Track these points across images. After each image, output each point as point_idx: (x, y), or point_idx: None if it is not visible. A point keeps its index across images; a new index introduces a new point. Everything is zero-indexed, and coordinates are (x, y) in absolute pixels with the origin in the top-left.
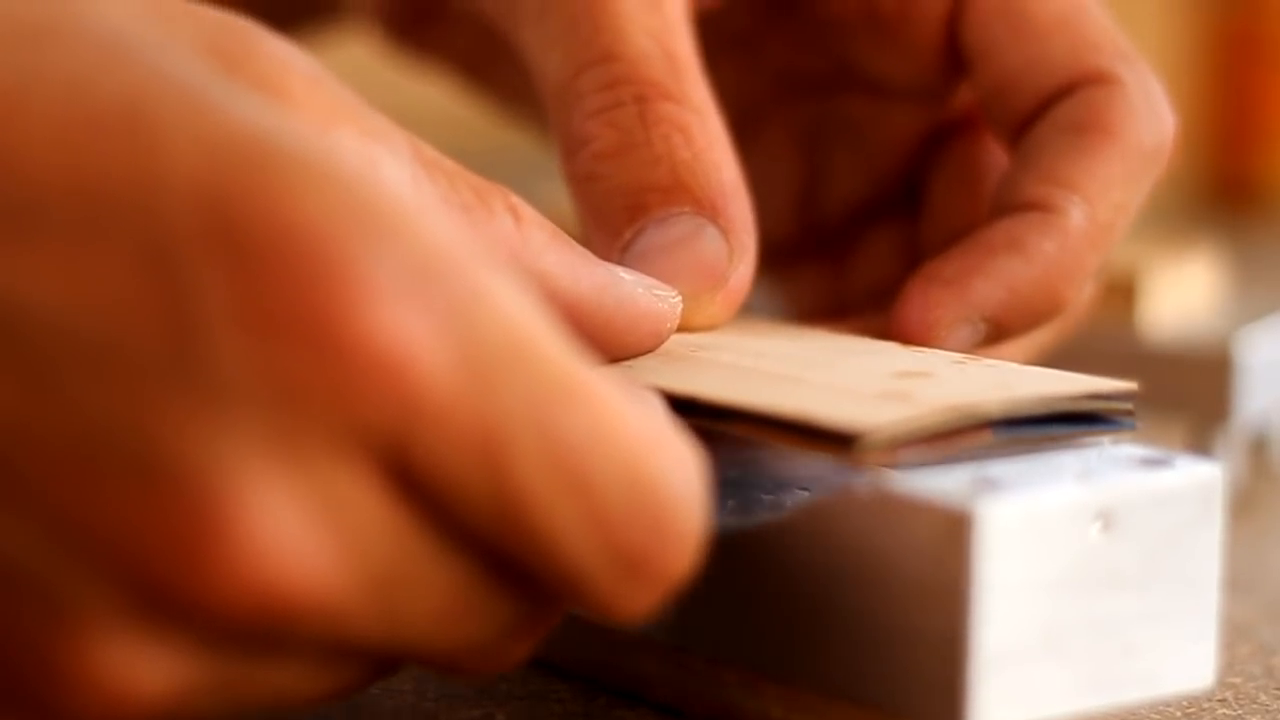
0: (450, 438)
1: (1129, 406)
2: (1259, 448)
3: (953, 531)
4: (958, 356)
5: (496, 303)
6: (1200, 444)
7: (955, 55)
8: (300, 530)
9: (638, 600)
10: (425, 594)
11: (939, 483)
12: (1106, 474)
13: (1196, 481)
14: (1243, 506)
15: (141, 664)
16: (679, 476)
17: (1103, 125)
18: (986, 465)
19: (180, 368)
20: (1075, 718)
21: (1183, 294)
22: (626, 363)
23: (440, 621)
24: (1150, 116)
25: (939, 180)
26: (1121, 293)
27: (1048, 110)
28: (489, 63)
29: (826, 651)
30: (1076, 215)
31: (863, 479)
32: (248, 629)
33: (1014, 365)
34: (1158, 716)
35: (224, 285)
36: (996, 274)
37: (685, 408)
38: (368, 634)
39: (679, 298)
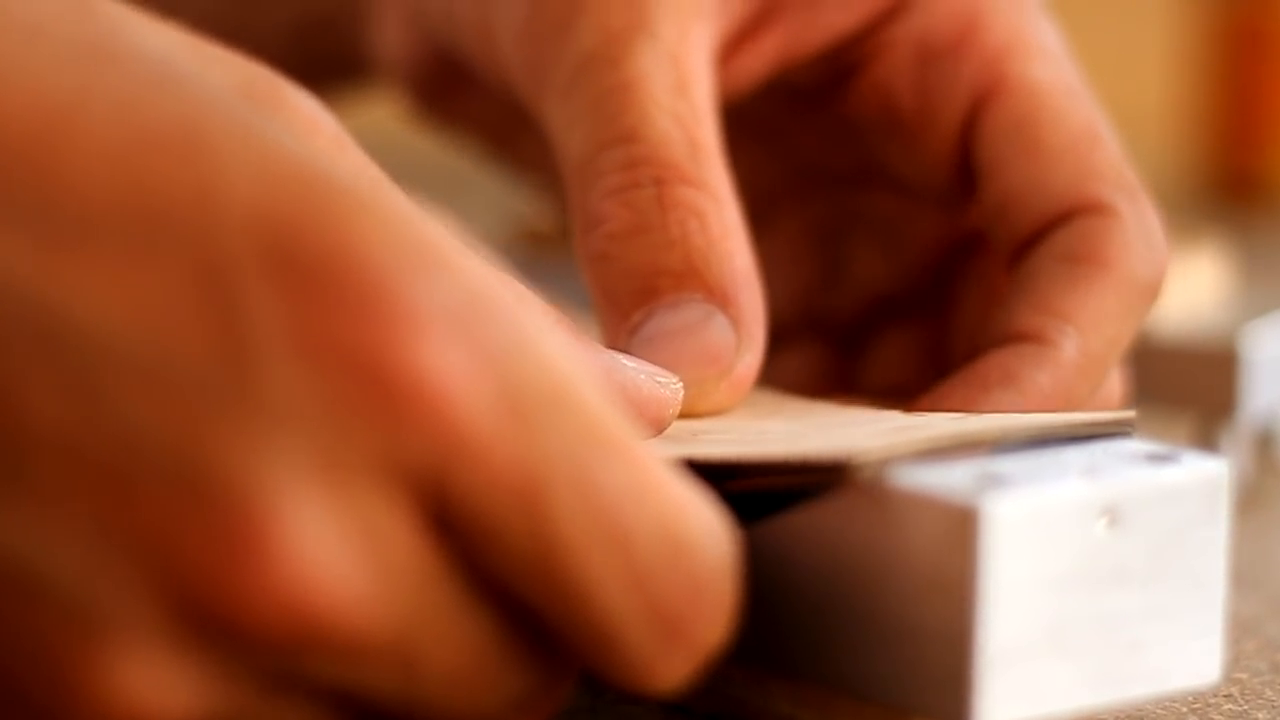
0: (489, 477)
1: (1129, 431)
2: (1265, 443)
3: (959, 527)
4: (957, 416)
5: (540, 348)
6: (1205, 440)
7: (968, 165)
8: (336, 554)
9: (673, 667)
10: (445, 648)
11: (945, 479)
12: (1112, 470)
13: (1202, 477)
14: (1248, 502)
15: (163, 683)
16: (714, 542)
17: (1098, 257)
18: (992, 462)
19: (229, 386)
20: (1081, 714)
21: (1188, 289)
22: None
23: (453, 683)
24: (1146, 250)
25: (964, 287)
26: None
27: (1045, 237)
28: (513, 132)
29: (833, 647)
30: (1069, 348)
31: (868, 478)
32: (274, 648)
33: (1015, 415)
34: (1163, 712)
35: (278, 308)
36: (992, 409)
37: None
38: (382, 682)
39: (680, 384)
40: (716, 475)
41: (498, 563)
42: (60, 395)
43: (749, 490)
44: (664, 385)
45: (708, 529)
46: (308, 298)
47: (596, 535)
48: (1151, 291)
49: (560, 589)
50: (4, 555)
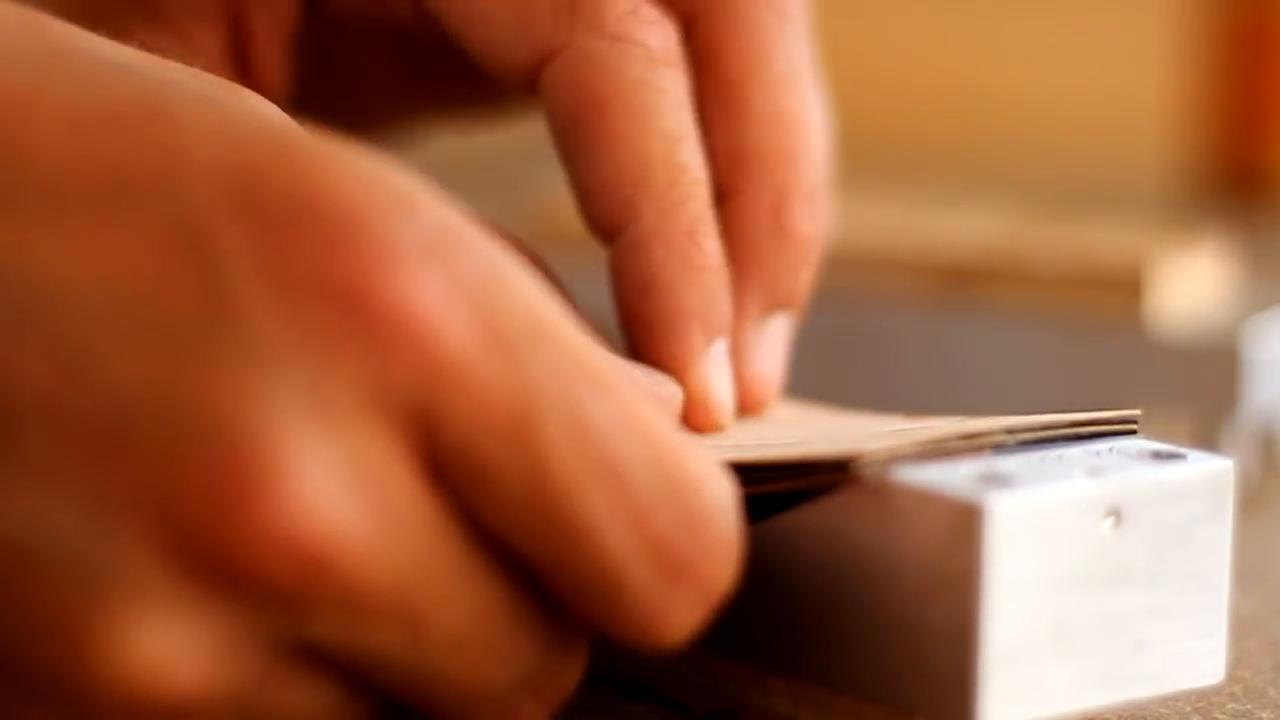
0: (478, 406)
1: (1133, 428)
2: (1267, 441)
3: (962, 526)
4: (960, 419)
5: (517, 282)
6: (1208, 438)
7: None
8: (336, 493)
9: (680, 611)
10: (451, 609)
11: (948, 477)
12: (1117, 468)
13: (1207, 476)
14: (1251, 500)
15: (172, 644)
16: (713, 481)
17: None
18: (996, 460)
19: (212, 331)
20: (1085, 714)
21: (1190, 285)
22: None
23: (460, 649)
24: None
25: None
26: (1128, 285)
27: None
28: None
29: (835, 646)
30: None
31: (871, 476)
32: (280, 597)
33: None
34: (1167, 711)
35: (253, 250)
36: None
37: None
38: (388, 647)
39: (678, 391)
40: None
41: (493, 503)
42: (45, 362)
43: (752, 495)
44: (663, 387)
45: (705, 468)
46: (281, 237)
47: (590, 468)
48: None
49: (557, 528)
50: (3, 530)
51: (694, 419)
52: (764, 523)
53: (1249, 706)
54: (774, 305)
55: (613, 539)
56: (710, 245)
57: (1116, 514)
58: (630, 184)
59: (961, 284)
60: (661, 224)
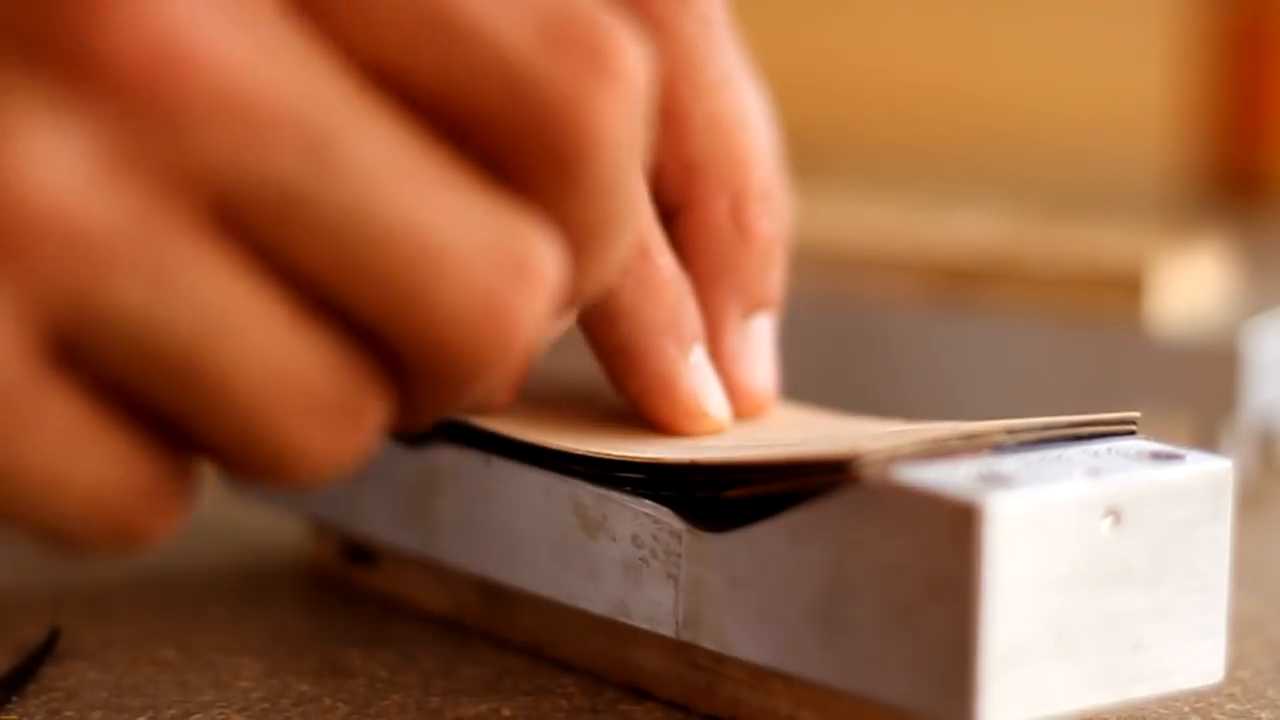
0: None
1: (1132, 429)
2: (1266, 442)
3: (962, 526)
4: (960, 423)
5: None
6: (1207, 438)
7: None
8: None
9: (596, 101)
10: (355, 135)
11: (948, 477)
12: (1116, 469)
13: (1207, 477)
14: (1249, 500)
15: (50, 152)
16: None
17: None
18: (995, 461)
19: None
20: (1084, 714)
21: (1190, 287)
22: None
23: (368, 187)
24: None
25: None
26: (1128, 286)
27: None
28: None
29: (834, 647)
30: None
31: (871, 476)
32: (144, 92)
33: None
34: (1166, 711)
35: None
36: None
37: (684, 483)
38: (289, 169)
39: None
40: (718, 483)
41: (368, 30)
42: None
43: (751, 496)
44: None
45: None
46: None
47: None
48: None
49: (442, 34)
50: None
51: (694, 430)
52: (764, 523)
53: (1248, 707)
54: (752, 307)
55: (504, 28)
56: (663, 260)
57: (1116, 514)
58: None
59: (961, 285)
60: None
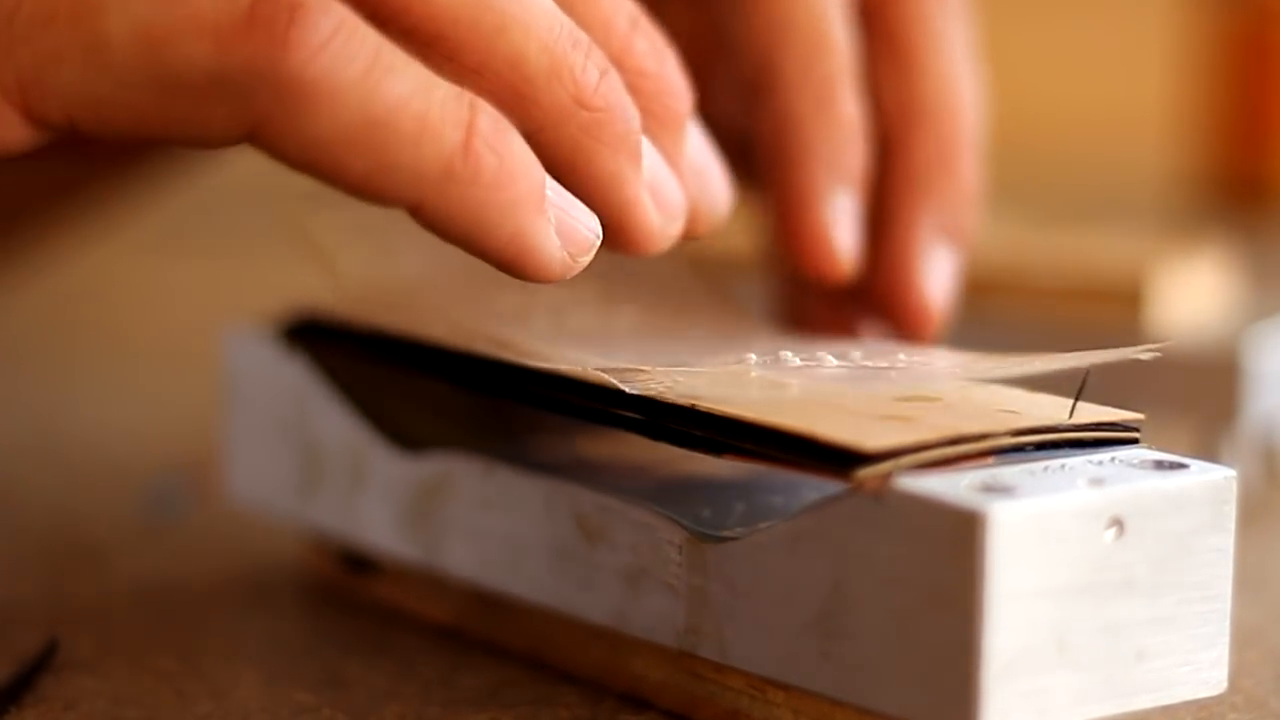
0: None
1: (1136, 435)
2: (1268, 451)
3: (964, 535)
4: (962, 380)
5: None
6: (1208, 448)
7: None
8: None
9: None
10: None
11: (950, 486)
12: (1119, 478)
13: (1209, 486)
14: (1252, 510)
15: None
16: None
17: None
18: (998, 469)
19: None
20: None
21: (1191, 294)
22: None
23: None
24: None
25: None
26: (1128, 296)
27: None
28: None
29: (835, 657)
30: None
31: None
32: None
33: (1020, 392)
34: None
35: None
36: None
37: (696, 422)
38: None
39: (599, 230)
40: (715, 442)
41: None
42: None
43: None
44: (584, 223)
45: None
46: None
47: None
48: None
49: None
50: None
51: (811, 257)
52: (764, 532)
53: (1250, 717)
54: (943, 232)
55: None
56: (848, 100)
57: (1119, 524)
58: (772, 45)
59: (963, 293)
60: (801, 77)
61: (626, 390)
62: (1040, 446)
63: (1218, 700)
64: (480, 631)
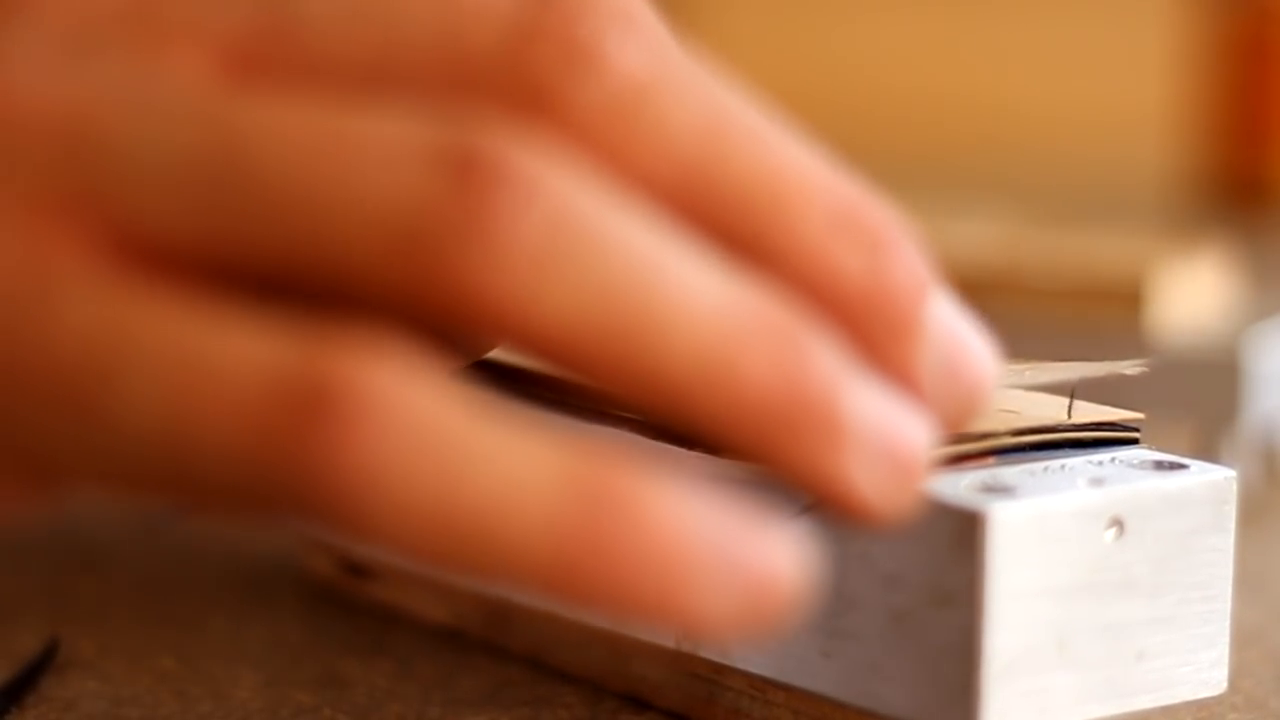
0: None
1: (1136, 435)
2: (1268, 451)
3: (965, 535)
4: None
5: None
6: (1209, 448)
7: None
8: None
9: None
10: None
11: (951, 487)
12: (1120, 479)
13: (1210, 486)
14: (1252, 510)
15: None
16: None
17: None
18: (998, 470)
19: None
20: None
21: (1191, 295)
22: None
23: None
24: None
25: None
26: (1129, 296)
27: None
28: None
29: (835, 657)
30: None
31: None
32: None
33: (1020, 392)
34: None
35: None
36: None
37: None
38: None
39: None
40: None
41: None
42: None
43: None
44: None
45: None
46: None
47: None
48: None
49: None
50: None
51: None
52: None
53: (1251, 717)
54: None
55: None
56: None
57: (1119, 524)
58: None
59: (962, 295)
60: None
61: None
62: (1040, 447)
63: (1218, 700)
64: (480, 632)
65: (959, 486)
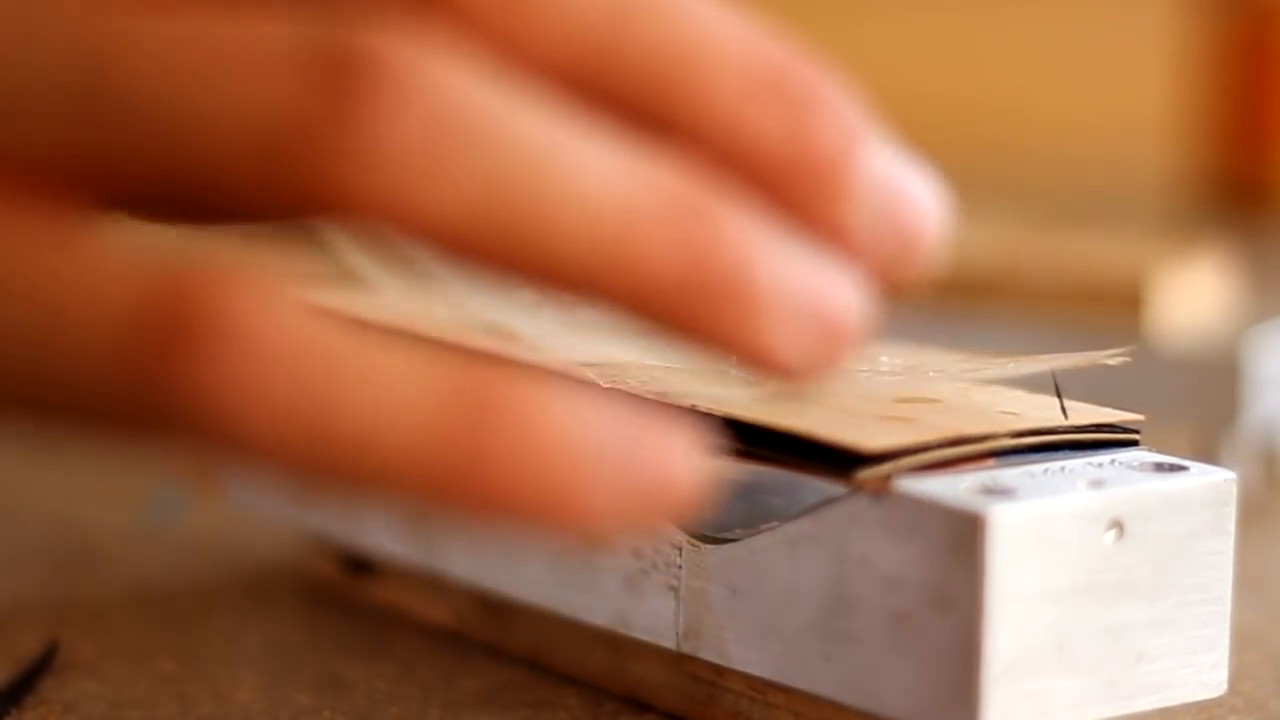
0: None
1: (1136, 437)
2: (1268, 453)
3: (965, 538)
4: (964, 381)
5: None
6: (1208, 450)
7: None
8: None
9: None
10: None
11: (950, 489)
12: (1119, 481)
13: (1209, 488)
14: (1252, 512)
15: None
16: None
17: None
18: (998, 472)
19: None
20: None
21: (1191, 297)
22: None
23: None
24: None
25: None
26: (1128, 298)
27: None
28: None
29: (835, 659)
30: None
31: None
32: None
33: (1020, 394)
34: None
35: None
36: None
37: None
38: None
39: None
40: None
41: None
42: None
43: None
44: None
45: None
46: None
47: None
48: None
49: None
50: None
51: None
52: (764, 534)
53: (1250, 719)
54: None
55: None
56: None
57: (1119, 526)
58: None
59: (961, 297)
60: None
61: (602, 385)
62: (1040, 448)
63: (1217, 702)
64: (480, 634)
65: (959, 488)
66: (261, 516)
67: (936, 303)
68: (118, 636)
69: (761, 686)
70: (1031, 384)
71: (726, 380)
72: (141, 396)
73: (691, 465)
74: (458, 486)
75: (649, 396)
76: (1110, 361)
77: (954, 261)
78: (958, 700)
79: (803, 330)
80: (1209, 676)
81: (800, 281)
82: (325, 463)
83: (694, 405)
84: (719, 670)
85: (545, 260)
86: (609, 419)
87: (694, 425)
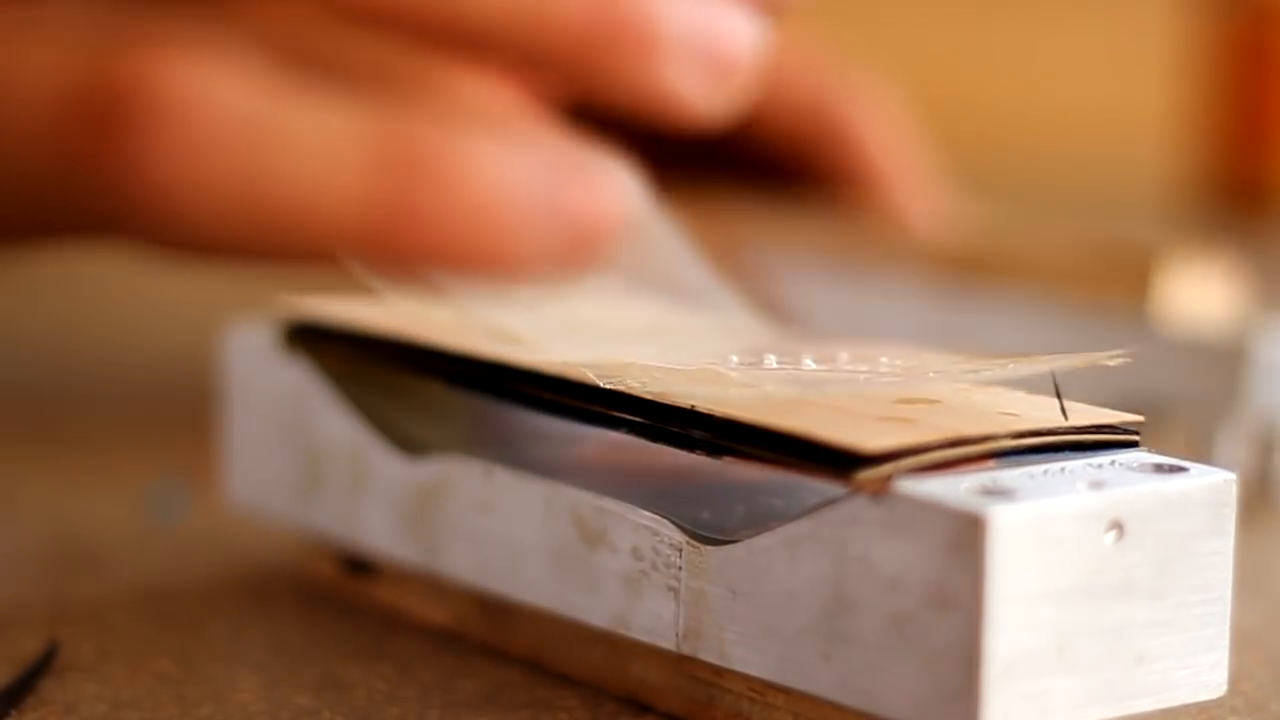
0: None
1: (1136, 437)
2: (1267, 450)
3: (965, 538)
4: (963, 382)
5: None
6: (1208, 448)
7: None
8: None
9: None
10: None
11: (950, 489)
12: (1119, 481)
13: (1210, 489)
14: (1250, 511)
15: None
16: None
17: None
18: (997, 472)
19: None
20: None
21: (1192, 298)
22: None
23: None
24: None
25: None
26: (1134, 282)
27: None
28: None
29: (835, 660)
30: None
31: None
32: None
33: (1020, 394)
34: None
35: None
36: None
37: (695, 424)
38: None
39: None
40: (716, 446)
41: None
42: None
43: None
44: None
45: None
46: None
47: None
48: None
49: None
50: None
51: None
52: (764, 535)
53: (1250, 719)
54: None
55: None
56: None
57: (1119, 527)
58: None
59: (966, 275)
60: None
61: (601, 385)
62: (1040, 449)
63: (1217, 703)
64: (480, 635)
65: (958, 489)
66: (261, 517)
67: (943, 282)
68: (118, 637)
69: (761, 687)
70: (1031, 385)
71: (726, 381)
72: (81, 179)
73: (619, 201)
74: (391, 241)
75: (627, 392)
76: (1110, 362)
77: (962, 240)
78: (958, 701)
79: (700, 68)
80: (1209, 677)
81: (695, 20)
82: (262, 231)
83: (694, 405)
84: (719, 671)
85: (456, 14)
86: (534, 162)
87: (619, 158)
